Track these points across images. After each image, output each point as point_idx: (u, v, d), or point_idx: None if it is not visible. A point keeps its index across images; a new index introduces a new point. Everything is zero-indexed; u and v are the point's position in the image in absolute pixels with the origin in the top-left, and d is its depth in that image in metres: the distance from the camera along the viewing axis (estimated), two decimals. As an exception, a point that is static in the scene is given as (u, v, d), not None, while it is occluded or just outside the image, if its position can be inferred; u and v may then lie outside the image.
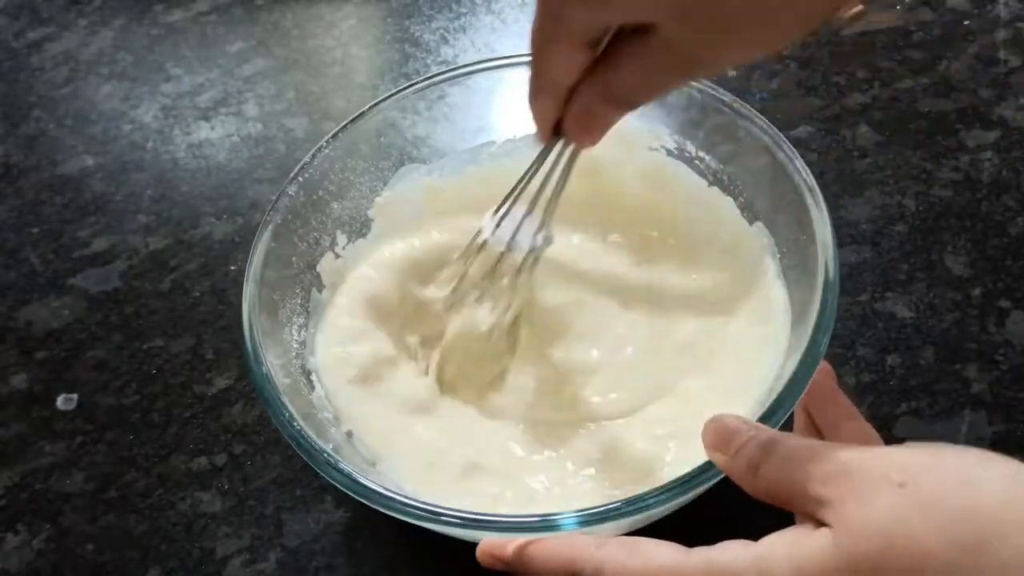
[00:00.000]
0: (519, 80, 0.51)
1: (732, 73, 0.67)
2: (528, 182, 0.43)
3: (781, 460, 0.30)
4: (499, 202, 0.45)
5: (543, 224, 0.44)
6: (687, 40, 0.31)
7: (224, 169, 0.67)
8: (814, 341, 0.38)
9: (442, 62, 0.72)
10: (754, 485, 0.31)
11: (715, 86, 0.48)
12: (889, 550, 0.25)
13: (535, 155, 0.43)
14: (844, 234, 0.57)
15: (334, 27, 0.76)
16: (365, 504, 0.47)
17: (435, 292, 0.51)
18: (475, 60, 0.52)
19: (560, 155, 0.41)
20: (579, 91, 0.36)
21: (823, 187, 0.59)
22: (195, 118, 0.71)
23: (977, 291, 0.53)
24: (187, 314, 0.58)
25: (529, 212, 0.44)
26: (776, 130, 0.46)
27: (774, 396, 0.37)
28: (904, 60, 0.66)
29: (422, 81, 0.52)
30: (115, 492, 0.51)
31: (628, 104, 0.36)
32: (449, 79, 0.52)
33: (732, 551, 0.29)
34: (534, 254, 0.45)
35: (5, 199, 0.67)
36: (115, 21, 0.79)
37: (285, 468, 0.51)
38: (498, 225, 0.45)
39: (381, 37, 0.75)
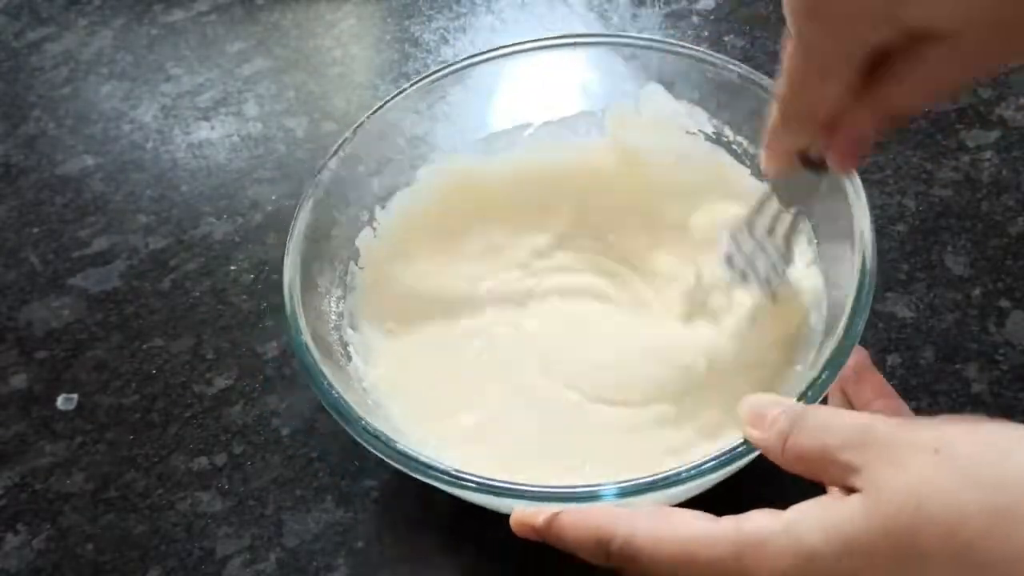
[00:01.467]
0: (547, 65, 0.52)
1: (732, 73, 0.67)
2: (759, 211, 0.42)
3: (812, 428, 0.30)
4: (733, 224, 0.44)
5: (783, 256, 0.43)
6: (982, 42, 0.29)
7: (224, 169, 0.67)
8: (851, 324, 0.38)
9: (442, 62, 0.72)
10: (785, 455, 0.31)
11: (753, 70, 0.48)
12: (922, 513, 0.25)
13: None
14: (844, 234, 0.57)
15: (334, 27, 0.76)
16: (367, 505, 0.47)
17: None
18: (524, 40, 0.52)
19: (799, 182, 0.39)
20: (849, 115, 0.33)
21: (823, 187, 0.59)
22: (195, 118, 0.71)
23: (977, 291, 0.53)
24: (187, 314, 0.58)
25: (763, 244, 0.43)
26: None
27: (810, 378, 0.37)
28: (904, 60, 0.66)
29: (473, 57, 0.52)
30: (115, 492, 0.51)
31: (903, 119, 0.35)
32: (493, 58, 0.52)
33: (761, 518, 0.29)
34: (770, 288, 0.44)
35: (5, 199, 0.67)
36: (115, 21, 0.79)
37: (285, 468, 0.51)
38: (736, 250, 0.44)
39: (381, 37, 0.75)
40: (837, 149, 0.35)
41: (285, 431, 0.52)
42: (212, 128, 0.70)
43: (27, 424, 0.54)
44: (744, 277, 0.45)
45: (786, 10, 0.31)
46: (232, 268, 0.60)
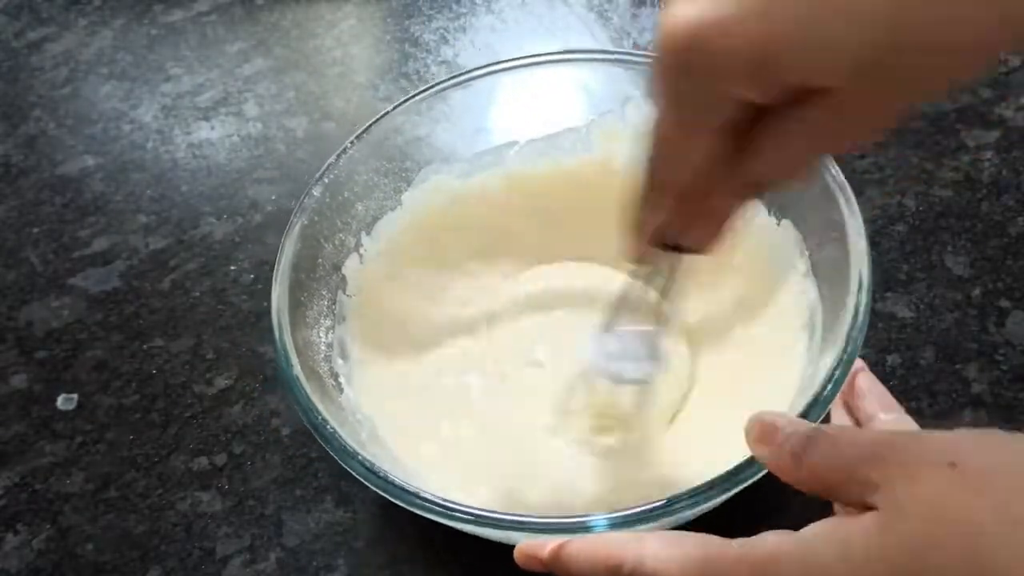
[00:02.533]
0: (528, 80, 0.52)
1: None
2: (623, 301, 0.40)
3: (827, 447, 0.30)
4: (600, 322, 0.42)
5: (654, 345, 0.40)
6: (866, 98, 0.26)
7: (224, 169, 0.67)
8: (850, 339, 0.38)
9: (442, 62, 0.72)
10: (798, 475, 0.30)
11: None
12: (940, 526, 0.25)
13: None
14: (844, 234, 0.57)
15: (334, 27, 0.76)
16: (367, 505, 0.47)
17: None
18: (485, 63, 0.52)
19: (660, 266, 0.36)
20: (709, 187, 0.31)
21: (823, 187, 0.59)
22: (195, 118, 0.71)
23: (977, 291, 0.53)
24: (187, 314, 0.58)
25: (641, 333, 0.40)
26: None
27: (811, 394, 0.37)
28: (904, 60, 0.66)
29: (456, 77, 0.52)
30: (115, 492, 0.51)
31: (767, 189, 0.32)
32: (464, 81, 0.52)
33: (774, 538, 0.29)
34: (646, 381, 0.42)
35: (5, 199, 0.67)
36: (115, 21, 0.79)
37: (285, 468, 0.51)
38: (602, 351, 0.41)
39: (381, 37, 0.75)
40: (699, 223, 0.32)
41: (285, 431, 0.52)
42: (212, 128, 0.70)
43: (27, 424, 0.54)
44: (619, 378, 0.42)
45: (655, 67, 0.28)
46: (232, 268, 0.60)
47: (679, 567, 0.30)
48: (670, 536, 0.31)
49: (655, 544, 0.30)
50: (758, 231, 0.49)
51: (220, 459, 0.52)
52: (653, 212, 0.32)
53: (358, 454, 0.38)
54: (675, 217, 0.32)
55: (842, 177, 0.43)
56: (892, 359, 0.51)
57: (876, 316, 0.53)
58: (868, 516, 0.27)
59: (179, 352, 0.56)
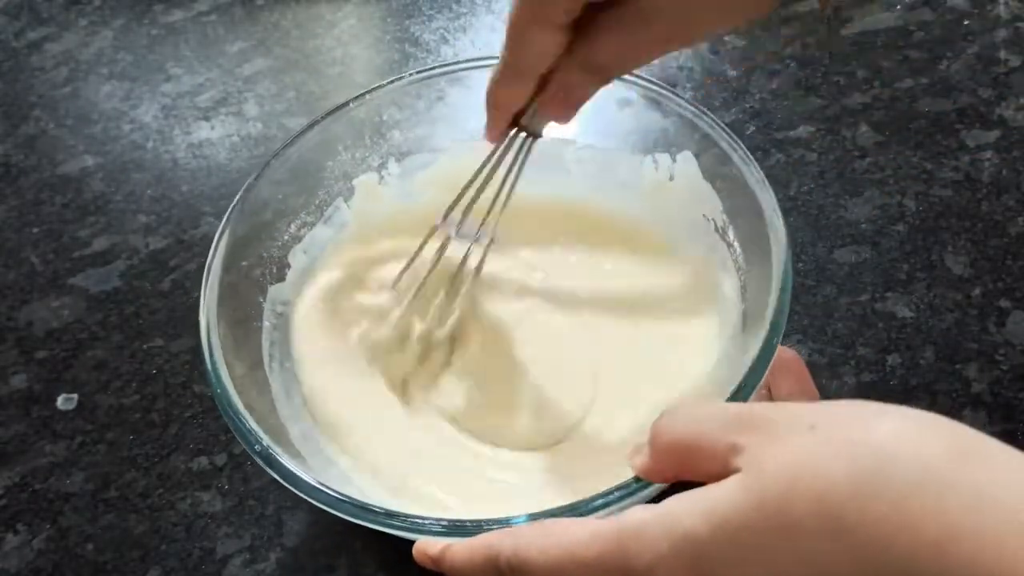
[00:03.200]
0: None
1: (732, 73, 0.67)
2: (483, 181, 0.44)
3: (688, 416, 0.30)
4: (452, 201, 0.45)
5: (491, 224, 0.45)
6: (665, 14, 0.34)
7: (224, 169, 0.67)
8: (770, 339, 0.38)
9: (443, 62, 0.72)
10: (659, 447, 0.31)
11: (639, 76, 0.48)
12: (796, 482, 0.26)
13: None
14: (844, 234, 0.57)
15: (334, 27, 0.76)
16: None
17: (376, 295, 0.49)
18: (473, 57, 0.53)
19: (514, 151, 0.42)
20: (559, 68, 0.37)
21: (823, 187, 0.59)
22: (195, 118, 0.71)
23: (977, 291, 0.53)
24: (187, 314, 0.58)
25: (484, 214, 0.44)
26: (707, 113, 0.46)
27: (733, 386, 0.37)
28: (904, 60, 0.67)
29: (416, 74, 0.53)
30: (115, 492, 0.51)
31: (609, 75, 0.38)
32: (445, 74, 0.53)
33: (639, 511, 0.29)
34: (480, 254, 0.46)
35: (5, 199, 0.67)
36: (115, 21, 0.79)
37: (285, 468, 0.51)
38: (447, 224, 0.45)
39: (381, 37, 0.75)
40: (549, 99, 0.39)
41: (285, 431, 0.52)
42: (212, 128, 0.70)
43: (27, 424, 0.54)
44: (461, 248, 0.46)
45: None
46: (232, 268, 0.60)
47: (554, 548, 0.30)
48: (546, 523, 0.32)
49: (530, 531, 0.31)
50: (681, 225, 0.49)
51: (220, 459, 0.52)
52: (510, 93, 0.39)
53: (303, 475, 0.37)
54: (534, 99, 0.39)
55: (753, 162, 0.44)
56: (892, 359, 0.51)
57: (876, 316, 0.53)
58: (731, 478, 0.27)
59: (179, 352, 0.56)
